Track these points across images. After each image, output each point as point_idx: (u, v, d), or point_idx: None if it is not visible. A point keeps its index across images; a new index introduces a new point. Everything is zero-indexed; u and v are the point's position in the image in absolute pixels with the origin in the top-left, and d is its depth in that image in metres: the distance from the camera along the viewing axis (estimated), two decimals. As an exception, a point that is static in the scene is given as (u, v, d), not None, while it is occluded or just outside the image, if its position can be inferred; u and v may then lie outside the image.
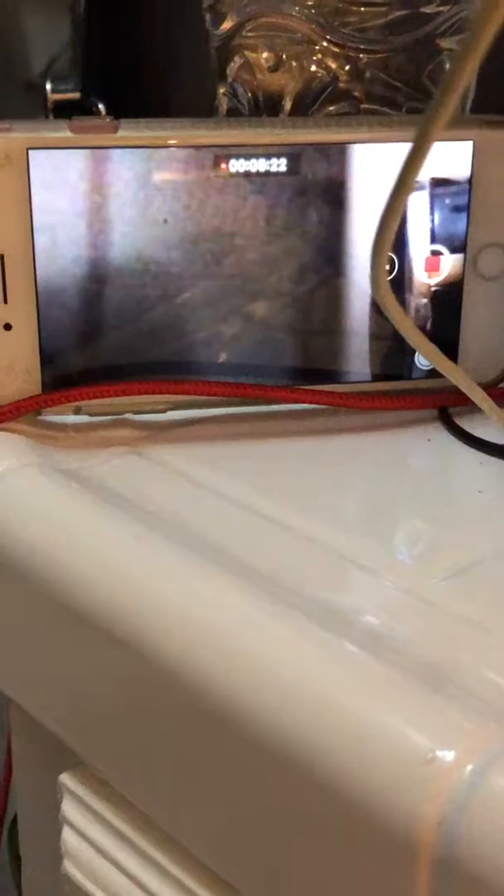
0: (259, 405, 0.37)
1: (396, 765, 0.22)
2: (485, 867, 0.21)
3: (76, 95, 0.51)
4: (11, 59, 0.66)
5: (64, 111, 0.51)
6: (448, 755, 0.22)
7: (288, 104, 0.39)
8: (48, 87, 0.51)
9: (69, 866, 0.32)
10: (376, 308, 0.37)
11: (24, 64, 0.65)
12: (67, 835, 0.32)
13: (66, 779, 0.33)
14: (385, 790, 0.22)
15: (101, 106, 0.46)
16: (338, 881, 0.24)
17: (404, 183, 0.21)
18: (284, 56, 0.38)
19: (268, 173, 0.35)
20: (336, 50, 0.38)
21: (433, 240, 0.37)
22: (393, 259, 0.37)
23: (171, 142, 0.34)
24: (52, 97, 0.51)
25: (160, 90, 0.47)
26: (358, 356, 0.37)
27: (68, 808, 0.33)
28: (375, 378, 0.38)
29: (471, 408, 0.36)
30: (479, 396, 0.30)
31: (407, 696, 0.24)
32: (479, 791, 0.21)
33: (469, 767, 0.22)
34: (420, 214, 0.36)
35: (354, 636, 0.26)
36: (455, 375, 0.28)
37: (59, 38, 0.64)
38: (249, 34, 0.39)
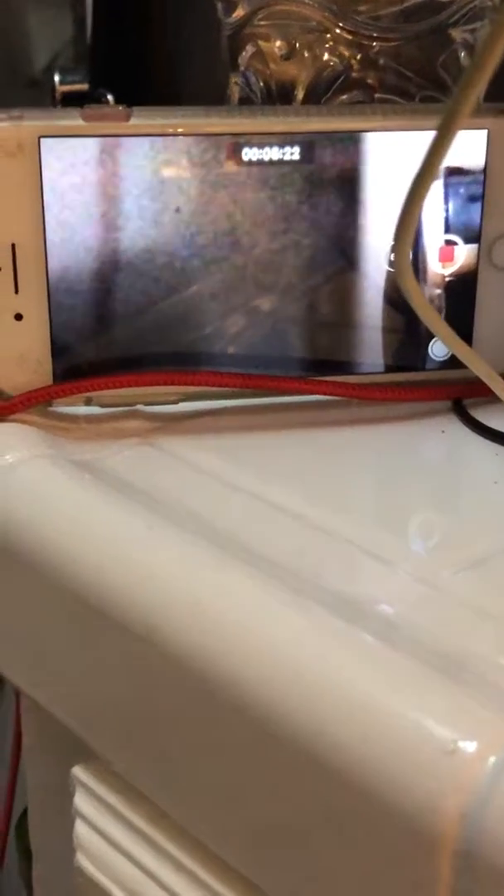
0: (271, 396, 0.37)
1: (418, 757, 0.22)
2: (508, 859, 0.21)
3: (84, 87, 0.51)
4: (14, 56, 0.66)
5: (72, 103, 0.50)
6: (470, 746, 0.22)
7: (300, 93, 0.39)
8: (56, 78, 0.51)
9: (82, 859, 0.32)
10: (389, 298, 0.37)
11: (26, 61, 0.65)
12: (80, 828, 0.32)
13: (78, 772, 0.33)
14: (406, 782, 0.22)
15: (109, 97, 0.46)
16: (358, 875, 0.24)
17: (430, 169, 0.20)
18: (297, 44, 0.38)
19: (281, 161, 0.35)
20: (349, 38, 0.38)
21: (447, 229, 0.36)
22: (407, 249, 0.36)
23: (183, 130, 0.34)
24: (61, 89, 0.51)
25: (171, 80, 0.47)
26: (371, 347, 0.37)
27: (81, 801, 0.32)
28: (389, 369, 0.37)
29: (486, 399, 0.36)
30: (496, 383, 0.30)
31: (427, 686, 0.23)
32: (502, 783, 0.21)
33: (492, 759, 0.21)
34: (434, 204, 0.36)
35: (371, 626, 0.26)
36: (473, 361, 0.28)
37: (62, 35, 0.64)
38: (261, 22, 0.38)
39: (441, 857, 0.22)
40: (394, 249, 0.22)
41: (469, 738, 0.22)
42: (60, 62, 0.65)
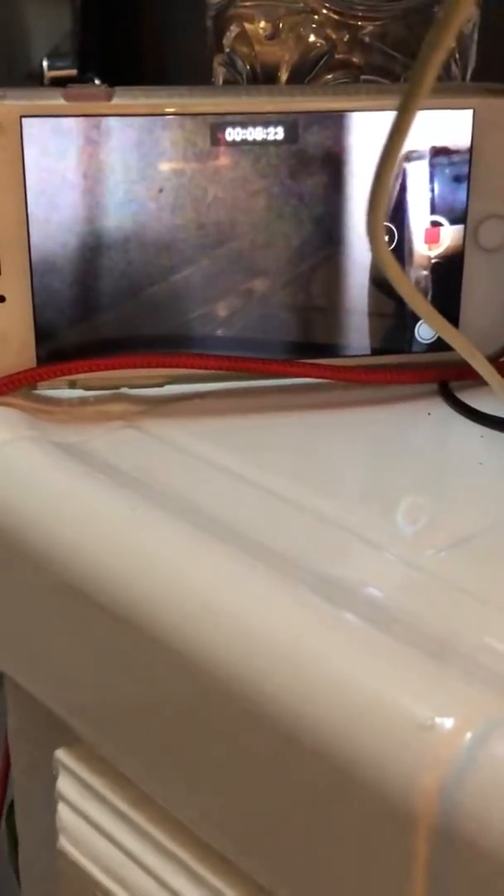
0: (257, 379, 0.37)
1: (395, 732, 0.22)
2: (485, 836, 0.21)
3: (73, 72, 0.51)
4: (13, 49, 0.66)
5: (61, 86, 0.50)
6: (447, 722, 0.22)
7: (285, 74, 0.39)
8: (45, 63, 0.51)
9: (65, 843, 0.32)
10: (376, 280, 0.36)
11: (25, 54, 0.65)
12: (63, 811, 0.32)
13: (61, 754, 0.32)
14: (384, 758, 0.22)
15: (96, 81, 0.45)
16: (336, 850, 0.23)
17: (392, 147, 0.20)
18: (281, 25, 0.38)
19: (265, 142, 0.34)
20: (334, 18, 0.37)
21: (433, 210, 0.36)
22: (392, 230, 0.36)
23: (167, 110, 0.34)
24: (49, 74, 0.51)
25: (156, 61, 0.47)
26: (357, 329, 0.37)
27: (64, 785, 0.32)
28: (375, 352, 0.37)
29: (472, 382, 0.36)
30: (480, 364, 0.30)
31: (406, 663, 0.23)
32: (479, 758, 0.21)
33: (468, 734, 0.21)
34: (419, 184, 0.36)
35: (354, 606, 0.26)
36: (457, 341, 0.28)
37: (60, 28, 0.64)
38: (246, 3, 0.38)
39: (417, 832, 0.21)
40: (368, 229, 0.21)
41: (446, 713, 0.22)
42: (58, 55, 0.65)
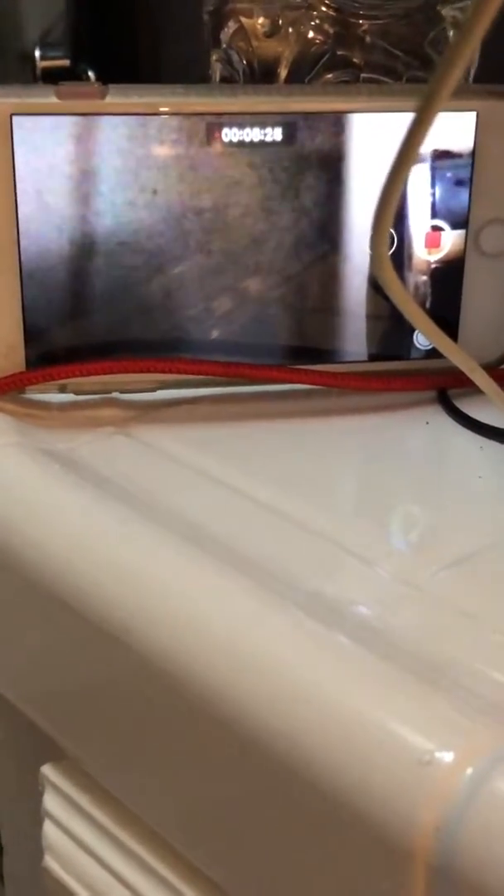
0: (252, 385, 0.36)
1: (392, 766, 0.21)
2: (485, 875, 0.20)
3: (66, 62, 0.49)
4: (4, 30, 0.65)
5: (53, 78, 0.49)
6: (447, 757, 0.21)
7: (284, 72, 0.38)
8: (37, 53, 0.49)
9: (50, 861, 0.31)
10: (374, 285, 0.36)
11: (16, 35, 0.64)
12: (49, 828, 0.32)
13: (48, 770, 0.32)
14: (380, 793, 0.21)
15: (90, 73, 0.44)
16: (329, 885, 0.23)
17: (407, 155, 0.19)
18: (281, 21, 0.37)
19: (262, 143, 0.33)
20: (334, 15, 0.36)
21: (434, 215, 0.35)
22: (392, 235, 0.35)
23: (162, 109, 0.33)
24: (42, 64, 0.50)
25: (152, 56, 0.46)
26: (354, 335, 0.36)
27: (50, 801, 0.32)
28: (372, 358, 0.36)
29: (471, 390, 0.35)
30: (480, 378, 0.29)
31: (403, 693, 0.23)
32: (479, 795, 0.20)
33: (469, 770, 0.21)
34: (420, 188, 0.35)
35: (348, 628, 0.25)
36: (457, 356, 0.27)
37: (53, 9, 0.63)
38: (244, -2, 0.37)
39: (415, 870, 0.21)
40: (372, 238, 0.21)
41: (446, 748, 0.21)
42: (52, 35, 0.63)
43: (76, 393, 0.35)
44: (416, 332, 0.36)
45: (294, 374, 0.36)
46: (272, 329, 0.36)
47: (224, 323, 0.35)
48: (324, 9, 0.37)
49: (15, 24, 0.64)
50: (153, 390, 0.35)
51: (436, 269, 0.36)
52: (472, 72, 0.38)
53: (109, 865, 0.30)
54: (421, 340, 0.36)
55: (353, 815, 0.22)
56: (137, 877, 0.29)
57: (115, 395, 0.36)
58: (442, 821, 0.20)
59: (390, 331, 0.36)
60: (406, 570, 0.28)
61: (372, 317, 0.36)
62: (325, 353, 0.36)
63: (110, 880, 0.30)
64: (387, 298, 0.36)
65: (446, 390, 0.36)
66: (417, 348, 0.37)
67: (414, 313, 0.22)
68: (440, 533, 0.30)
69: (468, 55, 0.19)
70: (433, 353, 0.36)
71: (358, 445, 0.35)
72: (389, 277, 0.20)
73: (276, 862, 0.24)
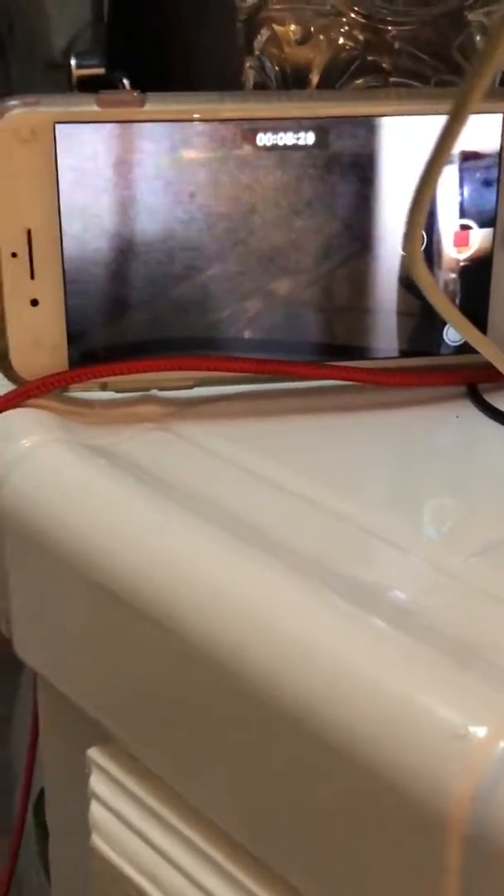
0: (286, 381, 0.37)
1: (428, 740, 0.22)
2: (517, 843, 0.21)
3: (101, 71, 0.51)
4: (34, 38, 0.66)
5: (88, 87, 0.50)
6: (480, 731, 0.22)
7: (315, 77, 0.39)
8: (72, 62, 0.51)
9: (97, 840, 0.32)
10: (405, 283, 0.36)
11: (46, 43, 0.65)
12: (96, 809, 0.33)
13: (94, 753, 0.33)
14: (417, 766, 0.22)
15: (125, 81, 0.46)
16: (368, 857, 0.24)
17: (439, 158, 0.20)
18: (312, 28, 0.38)
19: (295, 147, 0.35)
20: (364, 22, 0.37)
21: (462, 214, 0.36)
22: (423, 234, 0.36)
23: (198, 115, 0.34)
24: (77, 73, 0.51)
25: (186, 64, 0.47)
26: (386, 332, 0.37)
27: (96, 783, 0.33)
28: (403, 354, 0.37)
29: (501, 384, 0.36)
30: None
31: (438, 671, 0.24)
32: (511, 767, 0.21)
33: (501, 743, 0.22)
34: (449, 188, 0.36)
35: (383, 612, 0.26)
36: (488, 351, 0.28)
37: (81, 17, 0.64)
38: (276, 6, 0.38)
39: (450, 840, 0.22)
40: (405, 236, 0.22)
41: (479, 722, 0.22)
42: (79, 44, 0.65)
43: (117, 390, 0.36)
44: (445, 329, 0.37)
45: (327, 370, 0.37)
46: (305, 327, 0.37)
47: (258, 321, 0.36)
48: (353, 16, 0.38)
49: (42, 33, 0.65)
50: (190, 387, 0.37)
51: (464, 266, 0.37)
52: (499, 75, 0.39)
53: (156, 844, 0.31)
54: (451, 336, 0.37)
55: (391, 787, 0.23)
56: (183, 854, 0.30)
57: (154, 392, 0.37)
58: (476, 792, 0.21)
59: (421, 327, 0.37)
60: (438, 557, 0.29)
61: (403, 314, 0.37)
62: (357, 350, 0.37)
63: (157, 858, 0.31)
64: (417, 296, 0.37)
65: (476, 385, 0.37)
66: (447, 344, 0.38)
67: (447, 310, 0.23)
68: (470, 521, 0.31)
69: (499, 60, 0.20)
70: (463, 349, 0.37)
71: (391, 439, 0.36)
72: (423, 275, 0.21)
73: (318, 836, 0.25)
